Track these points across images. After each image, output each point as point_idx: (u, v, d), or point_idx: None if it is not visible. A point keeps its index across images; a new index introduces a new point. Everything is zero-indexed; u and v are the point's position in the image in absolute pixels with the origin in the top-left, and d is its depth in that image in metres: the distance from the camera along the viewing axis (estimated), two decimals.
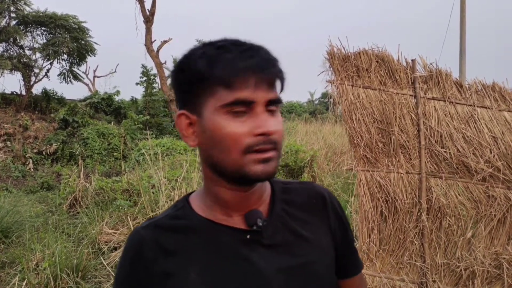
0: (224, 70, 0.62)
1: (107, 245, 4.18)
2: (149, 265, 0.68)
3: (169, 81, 16.67)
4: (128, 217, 4.32)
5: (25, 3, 15.48)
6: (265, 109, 0.65)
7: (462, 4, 13.03)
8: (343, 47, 3.14)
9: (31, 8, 15.84)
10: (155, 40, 15.53)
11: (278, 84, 0.67)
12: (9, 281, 3.40)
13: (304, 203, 0.78)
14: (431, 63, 3.14)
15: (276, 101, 0.66)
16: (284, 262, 0.70)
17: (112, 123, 14.46)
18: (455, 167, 3.01)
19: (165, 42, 16.13)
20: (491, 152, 2.94)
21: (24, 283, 3.14)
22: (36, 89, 17.10)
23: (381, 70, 3.12)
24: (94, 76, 27.32)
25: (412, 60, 3.14)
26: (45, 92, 16.20)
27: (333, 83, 3.11)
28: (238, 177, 0.66)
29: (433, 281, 2.99)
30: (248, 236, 0.70)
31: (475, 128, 3.02)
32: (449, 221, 2.99)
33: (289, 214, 0.75)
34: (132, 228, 3.89)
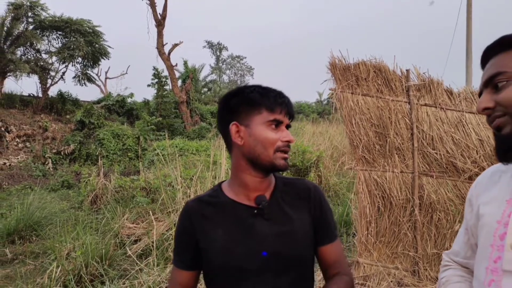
0: (270, 101, 1.07)
1: (129, 238, 4.56)
2: (194, 223, 1.10)
3: (179, 82, 17.07)
4: (149, 212, 4.70)
5: (42, 9, 16.03)
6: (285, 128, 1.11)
7: (468, 7, 13.19)
8: (344, 58, 3.46)
9: (48, 13, 16.40)
10: (167, 43, 15.98)
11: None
12: (45, 269, 3.81)
13: (295, 193, 1.16)
14: (423, 73, 3.45)
15: (290, 126, 1.13)
16: (276, 229, 1.07)
17: (125, 124, 14.90)
18: (444, 167, 3.31)
19: (176, 45, 16.52)
20: (477, 154, 3.24)
21: (59, 269, 3.54)
22: (52, 91, 17.61)
23: (378, 79, 3.44)
24: (106, 78, 27.88)
25: (406, 70, 3.45)
26: (61, 94, 16.73)
27: (335, 91, 3.44)
28: (269, 166, 1.07)
29: (424, 269, 3.30)
30: (255, 211, 1.09)
31: (464, 131, 3.31)
32: (439, 215, 3.30)
33: (283, 199, 1.13)
34: (153, 222, 4.27)
